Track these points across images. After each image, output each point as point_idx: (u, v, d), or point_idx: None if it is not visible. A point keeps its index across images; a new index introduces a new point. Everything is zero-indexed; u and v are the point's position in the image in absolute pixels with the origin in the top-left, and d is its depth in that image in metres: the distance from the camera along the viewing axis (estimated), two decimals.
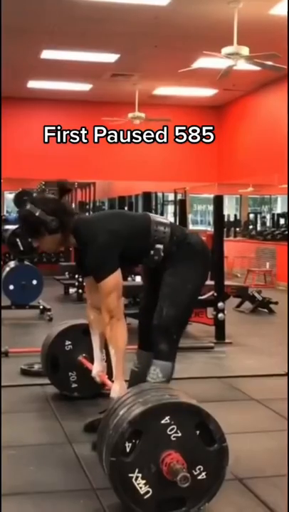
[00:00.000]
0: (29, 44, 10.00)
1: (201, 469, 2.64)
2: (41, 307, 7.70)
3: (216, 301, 6.39)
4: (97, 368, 3.66)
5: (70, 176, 14.23)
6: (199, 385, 4.76)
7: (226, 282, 6.97)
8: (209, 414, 2.67)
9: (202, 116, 14.73)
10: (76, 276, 9.27)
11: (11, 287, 7.56)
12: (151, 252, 3.36)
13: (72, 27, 9.18)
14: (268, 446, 3.55)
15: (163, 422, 2.60)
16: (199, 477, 2.64)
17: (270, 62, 8.33)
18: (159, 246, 3.35)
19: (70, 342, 4.23)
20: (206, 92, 13.27)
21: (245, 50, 8.01)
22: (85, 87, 12.85)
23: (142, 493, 2.58)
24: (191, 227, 17.01)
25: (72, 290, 9.64)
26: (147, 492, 2.58)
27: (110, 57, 10.75)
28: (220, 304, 6.37)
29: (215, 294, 6.41)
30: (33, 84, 12.65)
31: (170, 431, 2.61)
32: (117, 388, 3.18)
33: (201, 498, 2.65)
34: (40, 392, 4.48)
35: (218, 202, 6.77)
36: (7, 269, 7.83)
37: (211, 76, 9.71)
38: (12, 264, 8.00)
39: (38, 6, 8.37)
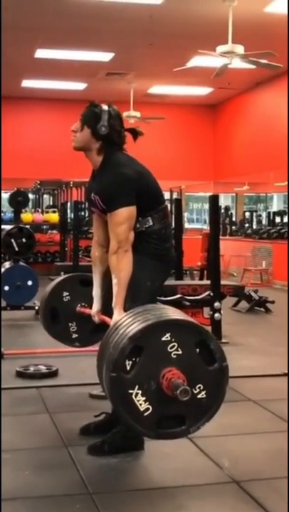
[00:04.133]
0: (23, 43, 9.95)
1: (201, 388, 2.64)
2: (36, 308, 7.64)
3: (212, 300, 6.35)
4: (96, 307, 3.60)
5: (66, 175, 14.25)
6: None
7: (222, 282, 6.93)
8: (209, 332, 2.69)
9: (197, 115, 14.73)
10: None
11: (6, 288, 7.51)
12: (139, 219, 3.32)
13: (67, 26, 9.14)
14: (266, 448, 3.52)
15: (164, 338, 2.61)
16: (199, 396, 2.64)
17: (265, 61, 8.30)
18: (150, 221, 3.33)
19: (67, 293, 4.17)
20: (201, 91, 13.24)
21: (240, 49, 7.98)
22: (79, 86, 12.80)
23: (141, 410, 2.58)
24: (187, 225, 16.97)
25: None
26: (147, 409, 2.58)
27: (105, 56, 10.71)
28: (216, 304, 6.34)
29: (211, 294, 6.38)
30: (27, 83, 12.61)
31: (170, 348, 2.61)
32: (116, 317, 3.15)
33: (200, 417, 2.66)
34: (35, 394, 4.44)
35: (214, 201, 6.74)
36: (2, 269, 7.78)
37: (206, 74, 9.68)
38: (7, 264, 7.96)
39: (32, 5, 8.33)
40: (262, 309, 8.44)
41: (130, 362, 2.57)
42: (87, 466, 3.18)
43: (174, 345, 2.60)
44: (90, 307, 3.71)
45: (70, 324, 4.19)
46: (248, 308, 8.39)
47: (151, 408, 2.58)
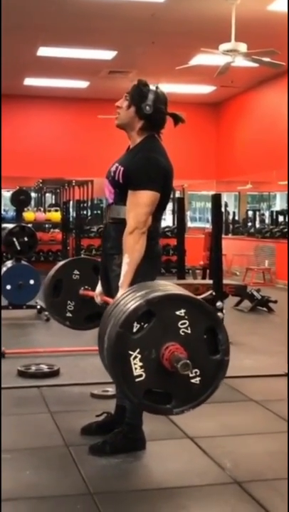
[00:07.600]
0: (26, 41, 9.94)
1: (197, 374, 2.62)
2: (38, 307, 7.63)
3: (214, 300, 6.33)
4: (100, 288, 3.57)
5: (68, 173, 14.26)
6: None
7: (225, 281, 6.91)
8: (222, 322, 2.67)
9: (200, 113, 14.68)
10: None
11: (8, 287, 7.50)
12: None
13: (69, 24, 9.12)
14: (268, 448, 3.50)
15: (178, 312, 2.59)
16: (192, 380, 2.61)
17: (268, 59, 8.28)
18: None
19: (78, 272, 4.21)
20: (204, 89, 13.22)
21: (243, 47, 7.95)
22: (82, 84, 12.80)
23: (135, 374, 2.56)
24: (189, 224, 16.96)
25: None
26: (140, 375, 2.56)
27: (107, 54, 10.70)
28: (218, 303, 6.31)
29: (213, 293, 6.36)
30: (29, 81, 12.60)
31: (181, 324, 2.59)
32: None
33: (187, 402, 2.63)
34: (37, 394, 4.42)
35: (216, 200, 6.71)
36: (4, 268, 7.77)
37: (209, 73, 9.65)
38: (9, 263, 7.95)
39: (34, 3, 8.32)
40: (264, 309, 8.41)
41: (138, 326, 2.54)
42: (89, 466, 3.16)
43: (185, 323, 2.58)
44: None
45: (68, 302, 4.22)
46: (251, 307, 8.37)
47: (144, 376, 2.55)
